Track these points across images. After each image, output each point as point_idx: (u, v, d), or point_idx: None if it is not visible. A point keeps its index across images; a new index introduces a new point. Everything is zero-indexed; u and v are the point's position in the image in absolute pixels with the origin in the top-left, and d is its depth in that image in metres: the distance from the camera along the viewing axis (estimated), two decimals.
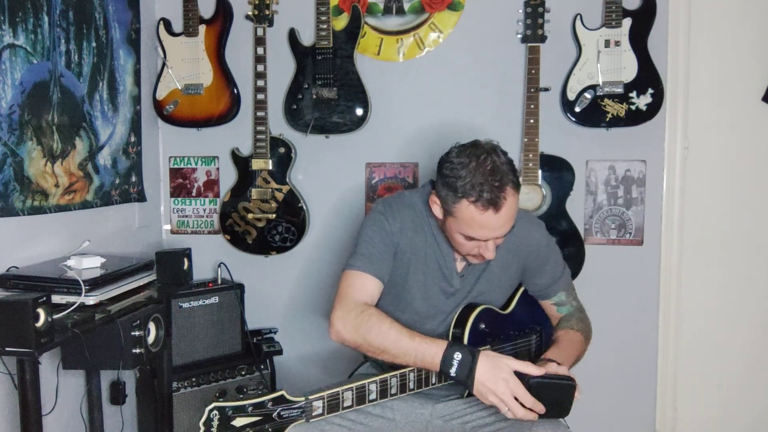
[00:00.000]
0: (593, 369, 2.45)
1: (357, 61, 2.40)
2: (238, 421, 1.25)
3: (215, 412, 1.24)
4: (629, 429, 2.48)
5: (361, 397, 1.39)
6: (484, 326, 1.60)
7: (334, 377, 2.43)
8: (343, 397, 1.36)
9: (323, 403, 1.34)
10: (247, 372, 2.38)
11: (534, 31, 2.28)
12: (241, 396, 1.27)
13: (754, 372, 2.42)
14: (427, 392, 1.55)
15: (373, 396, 1.40)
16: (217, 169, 2.61)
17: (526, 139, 2.29)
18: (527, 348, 1.74)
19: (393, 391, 1.43)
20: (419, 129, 2.48)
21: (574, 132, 2.36)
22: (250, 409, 1.27)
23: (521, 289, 1.75)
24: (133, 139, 2.38)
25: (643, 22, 2.24)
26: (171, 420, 2.12)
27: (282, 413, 1.29)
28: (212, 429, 1.24)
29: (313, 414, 1.32)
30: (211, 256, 2.56)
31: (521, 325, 1.71)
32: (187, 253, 1.99)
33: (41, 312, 1.37)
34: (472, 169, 1.41)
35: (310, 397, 1.33)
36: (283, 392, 1.29)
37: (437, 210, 1.54)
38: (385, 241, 1.59)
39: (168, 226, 2.67)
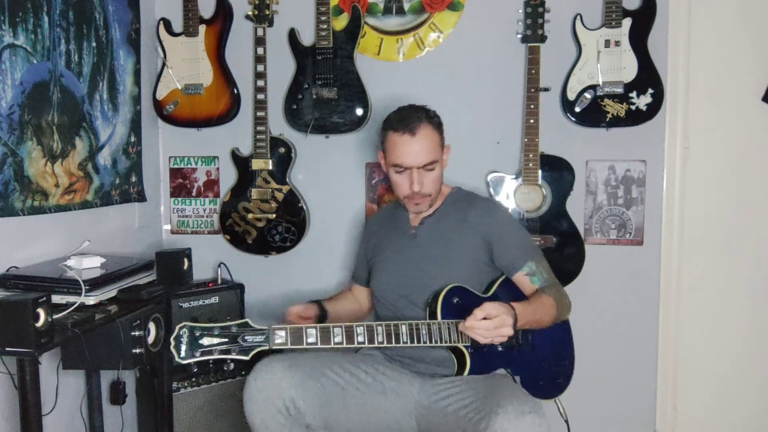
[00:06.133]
0: (594, 369, 2.46)
1: (357, 61, 2.40)
2: (206, 341, 1.37)
3: (185, 330, 1.37)
4: (629, 429, 2.48)
5: (325, 335, 1.46)
6: (457, 300, 1.66)
7: None
8: (306, 333, 1.45)
9: (286, 333, 1.43)
10: (247, 372, 2.37)
11: (534, 31, 2.28)
12: (211, 321, 1.40)
13: (754, 372, 2.42)
14: (415, 370, 1.73)
15: (338, 339, 1.48)
16: (217, 169, 2.61)
17: (526, 139, 2.29)
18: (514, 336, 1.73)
19: (360, 339, 1.50)
20: None
21: (574, 132, 2.36)
22: (216, 331, 1.38)
23: (501, 278, 1.79)
24: (133, 139, 2.38)
25: (643, 22, 2.24)
26: (171, 420, 2.13)
27: (246, 338, 1.39)
28: (182, 344, 1.36)
29: (276, 341, 1.42)
30: (211, 256, 2.56)
31: None
32: (187, 253, 1.99)
33: (41, 312, 1.37)
34: (399, 110, 1.81)
35: (274, 326, 1.43)
36: (247, 320, 1.41)
37: (383, 164, 1.83)
38: (363, 245, 2.07)
39: (168, 226, 2.67)
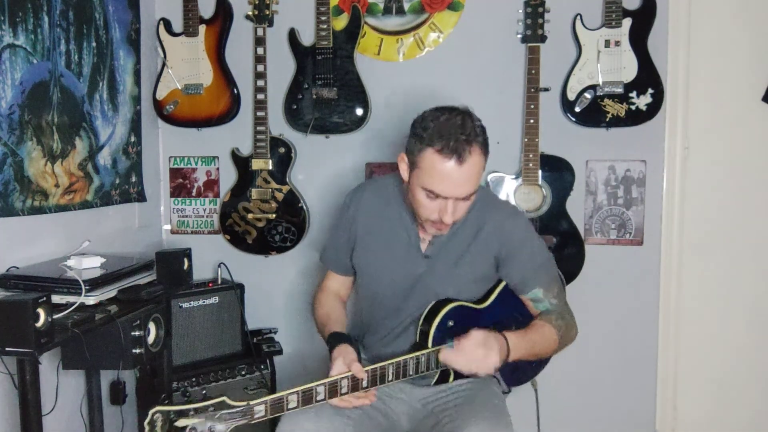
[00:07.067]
0: (594, 369, 2.46)
1: (357, 61, 2.40)
2: (181, 422, 1.29)
3: (158, 414, 1.27)
4: (629, 429, 2.48)
5: (307, 399, 1.39)
6: (452, 323, 1.58)
7: None
8: (287, 400, 1.37)
9: (266, 406, 1.35)
10: (247, 372, 2.38)
11: (534, 31, 2.28)
12: (185, 399, 1.32)
13: (753, 372, 2.42)
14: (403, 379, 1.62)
15: (320, 397, 1.40)
16: (217, 169, 2.61)
17: (526, 139, 2.29)
18: None
19: (344, 390, 1.42)
20: None
21: (574, 132, 2.36)
22: (191, 412, 1.29)
23: (501, 285, 1.70)
24: (133, 139, 2.38)
25: (643, 22, 2.24)
26: None
27: (224, 416, 1.32)
28: (156, 430, 1.27)
29: (255, 416, 1.34)
30: (211, 256, 2.56)
31: (500, 319, 1.65)
32: (187, 253, 1.99)
33: (41, 312, 1.37)
34: (443, 121, 1.44)
35: (251, 402, 1.34)
36: (224, 398, 1.32)
37: (404, 169, 1.54)
38: (343, 232, 1.74)
39: (168, 226, 2.67)
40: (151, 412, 1.27)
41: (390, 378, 1.47)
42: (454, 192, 1.44)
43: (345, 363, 1.44)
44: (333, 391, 1.41)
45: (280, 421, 1.47)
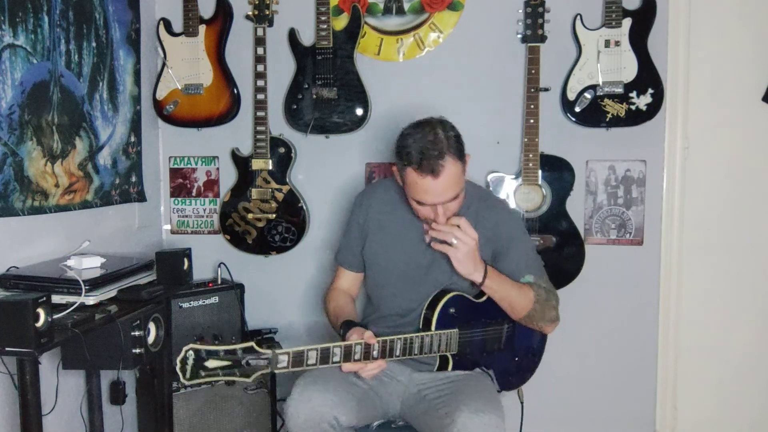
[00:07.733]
0: (594, 369, 2.46)
1: (357, 61, 2.40)
2: (211, 363, 1.39)
3: (191, 352, 1.38)
4: (629, 429, 2.48)
5: (324, 357, 1.51)
6: (453, 311, 1.71)
7: None
8: (307, 355, 1.49)
9: (288, 357, 1.47)
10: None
11: (534, 31, 2.28)
12: (216, 342, 1.41)
13: (753, 372, 2.42)
14: (404, 362, 1.77)
15: (336, 359, 1.53)
16: (217, 169, 2.61)
17: (526, 139, 2.29)
18: (498, 336, 1.80)
19: (357, 357, 1.55)
20: None
21: (574, 132, 2.36)
22: (222, 353, 1.40)
23: None
24: (133, 139, 2.38)
25: (643, 22, 2.24)
26: (171, 420, 2.12)
27: (250, 361, 1.42)
28: (187, 367, 1.38)
29: (278, 366, 1.46)
30: (211, 256, 2.56)
31: (495, 315, 1.77)
32: (187, 253, 1.99)
33: (41, 312, 1.37)
34: (417, 139, 1.60)
35: (277, 351, 1.46)
36: (252, 344, 1.44)
37: (397, 177, 1.72)
38: (356, 230, 1.90)
39: (168, 226, 2.67)
40: (184, 348, 1.38)
41: (397, 353, 1.61)
42: (437, 199, 1.62)
43: (358, 335, 1.59)
44: (347, 354, 1.53)
45: (290, 395, 1.60)
